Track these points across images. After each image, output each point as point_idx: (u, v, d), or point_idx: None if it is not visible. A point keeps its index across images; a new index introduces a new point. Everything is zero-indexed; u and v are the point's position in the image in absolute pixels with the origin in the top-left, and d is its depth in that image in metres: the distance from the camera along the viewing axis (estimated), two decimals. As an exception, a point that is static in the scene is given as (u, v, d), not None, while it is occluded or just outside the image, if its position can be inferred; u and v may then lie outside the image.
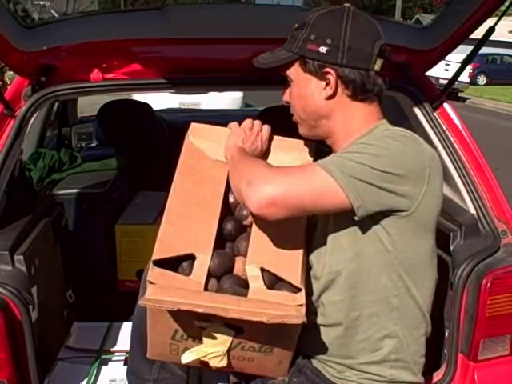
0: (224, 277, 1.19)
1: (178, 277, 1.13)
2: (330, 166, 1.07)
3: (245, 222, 1.30)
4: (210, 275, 1.17)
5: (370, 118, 1.22)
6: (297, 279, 1.13)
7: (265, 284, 1.14)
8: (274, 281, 1.15)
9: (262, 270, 1.15)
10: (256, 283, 1.13)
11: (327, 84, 1.18)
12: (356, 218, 1.09)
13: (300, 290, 1.11)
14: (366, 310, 1.18)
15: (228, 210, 1.32)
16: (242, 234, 1.28)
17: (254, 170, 1.12)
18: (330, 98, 1.19)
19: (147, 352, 1.24)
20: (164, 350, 1.19)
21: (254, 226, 1.24)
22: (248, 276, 1.15)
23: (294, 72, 1.21)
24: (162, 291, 1.08)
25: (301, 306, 1.08)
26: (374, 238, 1.14)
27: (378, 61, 1.16)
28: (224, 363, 1.16)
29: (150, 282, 1.10)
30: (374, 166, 1.06)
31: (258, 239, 1.21)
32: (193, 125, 1.39)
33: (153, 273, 1.11)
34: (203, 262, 1.16)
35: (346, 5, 1.18)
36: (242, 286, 1.16)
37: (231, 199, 1.33)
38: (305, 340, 1.20)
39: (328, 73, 1.16)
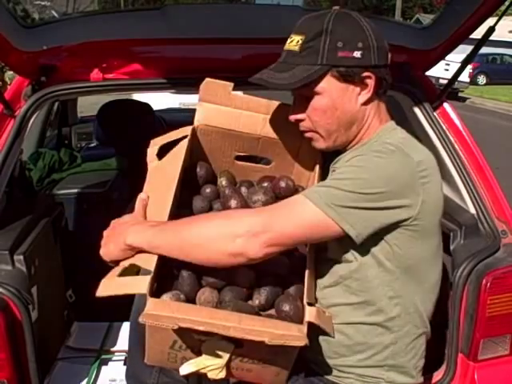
0: (225, 288, 1.17)
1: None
2: (319, 200, 1.05)
3: None
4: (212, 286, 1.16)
5: (384, 115, 1.22)
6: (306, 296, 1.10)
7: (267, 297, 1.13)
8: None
9: None
10: None
11: (363, 88, 1.15)
12: (357, 242, 1.08)
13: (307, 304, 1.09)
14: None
15: None
16: None
17: (223, 223, 1.08)
18: (367, 101, 1.17)
19: (145, 357, 1.22)
20: (162, 357, 1.18)
21: None
22: None
23: (326, 84, 1.14)
24: (162, 305, 1.05)
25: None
26: (374, 258, 1.14)
27: (389, 54, 1.17)
28: (222, 375, 1.14)
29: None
30: (361, 190, 1.04)
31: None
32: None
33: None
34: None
35: (335, 8, 1.16)
36: (243, 298, 1.15)
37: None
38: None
39: (367, 77, 1.14)
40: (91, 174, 2.58)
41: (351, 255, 1.16)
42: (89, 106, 4.81)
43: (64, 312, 2.05)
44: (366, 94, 1.15)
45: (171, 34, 1.56)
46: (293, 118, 1.23)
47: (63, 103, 3.51)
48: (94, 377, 1.80)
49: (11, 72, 5.62)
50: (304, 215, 1.06)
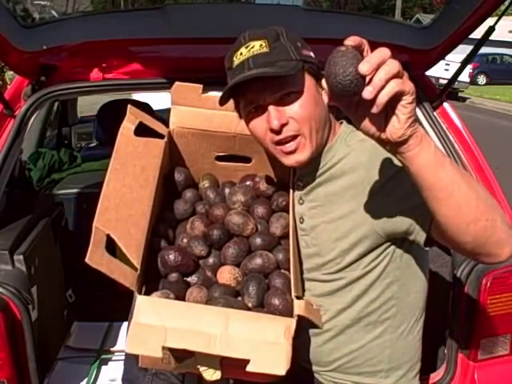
0: (214, 285, 1.17)
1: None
2: None
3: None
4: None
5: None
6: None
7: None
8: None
9: None
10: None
11: (322, 88, 1.06)
12: None
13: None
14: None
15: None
16: (228, 242, 1.23)
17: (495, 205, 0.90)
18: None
19: (139, 360, 1.20)
20: (156, 359, 1.17)
21: None
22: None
23: (306, 80, 1.09)
24: (147, 309, 1.03)
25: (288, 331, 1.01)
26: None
27: None
28: (217, 376, 1.13)
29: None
30: None
31: None
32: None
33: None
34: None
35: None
36: (232, 294, 1.15)
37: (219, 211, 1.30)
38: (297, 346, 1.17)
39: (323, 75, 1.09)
40: (91, 174, 2.58)
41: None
42: (89, 105, 4.81)
43: (64, 312, 2.06)
44: (325, 94, 1.04)
45: (171, 34, 1.57)
46: (276, 124, 1.09)
47: (63, 103, 3.51)
48: (93, 377, 1.80)
49: (11, 72, 5.61)
50: None
